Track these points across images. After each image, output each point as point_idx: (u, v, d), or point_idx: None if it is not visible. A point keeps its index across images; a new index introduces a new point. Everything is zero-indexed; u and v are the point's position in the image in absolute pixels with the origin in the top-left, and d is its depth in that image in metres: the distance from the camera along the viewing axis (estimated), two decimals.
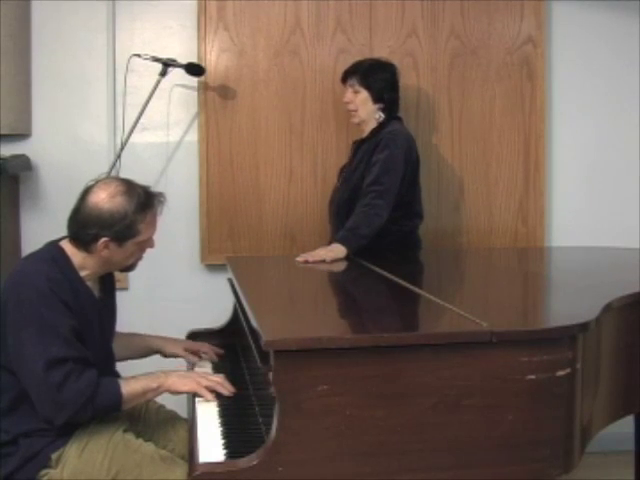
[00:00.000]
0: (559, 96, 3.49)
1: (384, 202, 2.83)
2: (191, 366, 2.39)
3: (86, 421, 1.91)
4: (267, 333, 1.59)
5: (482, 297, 2.32)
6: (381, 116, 2.99)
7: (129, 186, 2.01)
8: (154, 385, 1.96)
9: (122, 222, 1.96)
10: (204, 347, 2.41)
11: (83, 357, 1.88)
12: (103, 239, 1.96)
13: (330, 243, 2.91)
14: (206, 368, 2.32)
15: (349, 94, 3.01)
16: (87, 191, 2.01)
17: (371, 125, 3.01)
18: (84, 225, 1.96)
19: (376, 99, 2.97)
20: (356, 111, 3.00)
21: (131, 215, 1.97)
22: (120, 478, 1.87)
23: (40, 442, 1.89)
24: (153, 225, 2.05)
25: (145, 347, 2.34)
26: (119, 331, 2.26)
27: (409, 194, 2.98)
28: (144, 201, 2.00)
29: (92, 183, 2.03)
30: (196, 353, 2.39)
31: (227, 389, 1.97)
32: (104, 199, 1.96)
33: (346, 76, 3.03)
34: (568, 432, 1.69)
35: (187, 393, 2.05)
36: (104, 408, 1.90)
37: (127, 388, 1.91)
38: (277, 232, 3.35)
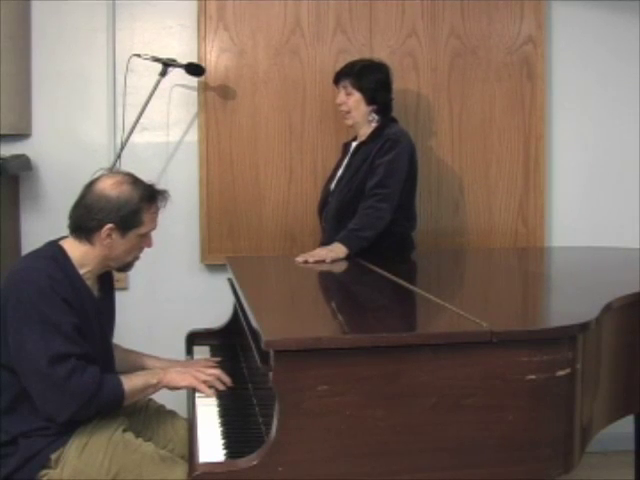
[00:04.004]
0: (559, 96, 3.49)
1: (387, 205, 2.83)
2: (190, 356, 2.43)
3: (86, 420, 1.91)
4: (267, 333, 1.59)
5: (482, 297, 2.32)
6: (374, 118, 2.98)
7: (135, 178, 2.05)
8: (154, 381, 2.00)
9: (128, 208, 1.98)
10: (200, 365, 2.26)
11: (85, 354, 1.89)
12: (108, 225, 1.97)
13: (322, 244, 2.91)
14: (204, 354, 2.35)
15: (342, 96, 3.00)
16: (92, 182, 2.03)
17: (365, 127, 3.00)
18: (90, 210, 1.98)
19: (369, 101, 2.96)
20: (349, 112, 2.99)
21: (137, 202, 1.99)
22: (120, 478, 1.88)
23: (39, 442, 1.89)
24: (155, 219, 2.07)
25: (139, 367, 2.23)
26: (119, 344, 2.25)
27: (409, 196, 2.99)
28: (150, 193, 2.03)
29: (97, 176, 2.05)
30: None
31: (225, 381, 2.04)
32: (111, 186, 2.00)
33: (338, 78, 3.02)
34: (568, 432, 1.70)
35: (185, 388, 2.07)
36: (107, 404, 1.91)
37: (129, 384, 1.94)
38: (277, 232, 3.34)
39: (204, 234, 3.32)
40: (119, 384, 1.92)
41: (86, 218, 1.98)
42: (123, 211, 1.98)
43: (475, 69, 3.41)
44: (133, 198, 1.99)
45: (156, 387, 2.01)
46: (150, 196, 2.03)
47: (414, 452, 1.59)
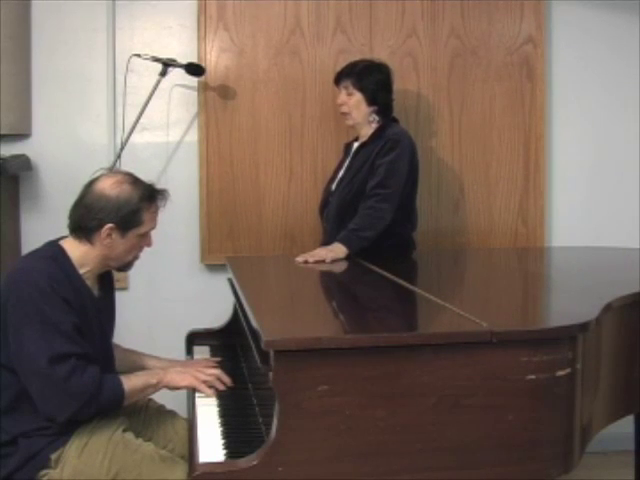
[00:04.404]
0: (559, 96, 3.49)
1: (388, 205, 2.82)
2: (190, 356, 2.44)
3: (86, 420, 1.91)
4: (267, 333, 1.59)
5: (482, 297, 2.32)
6: (375, 118, 2.98)
7: (135, 178, 2.05)
8: (153, 381, 2.00)
9: (128, 208, 1.98)
10: (200, 365, 2.25)
11: (85, 353, 1.89)
12: (108, 225, 1.97)
13: (323, 244, 2.91)
14: (204, 354, 2.34)
15: (343, 96, 2.99)
16: (92, 181, 2.03)
17: (366, 127, 3.00)
18: (90, 210, 1.98)
19: (370, 101, 2.96)
20: (349, 113, 2.99)
21: (137, 202, 1.99)
22: (120, 478, 1.87)
23: (39, 442, 1.89)
24: (154, 219, 2.07)
25: (139, 367, 2.22)
26: (119, 344, 2.26)
27: (410, 197, 2.99)
28: (149, 192, 2.03)
29: (96, 175, 2.05)
30: None
31: (225, 381, 2.05)
32: (111, 186, 2.00)
33: (339, 78, 3.02)
34: (568, 432, 1.70)
35: (185, 388, 2.07)
36: (107, 404, 1.91)
37: (129, 384, 1.94)
38: (277, 232, 3.34)
39: (204, 234, 3.32)
40: (119, 384, 1.92)
41: (86, 218, 1.98)
42: (123, 211, 1.98)
43: (475, 69, 3.41)
44: (133, 198, 1.99)
45: (156, 387, 2.01)
46: (150, 196, 2.03)
47: (414, 452, 1.59)
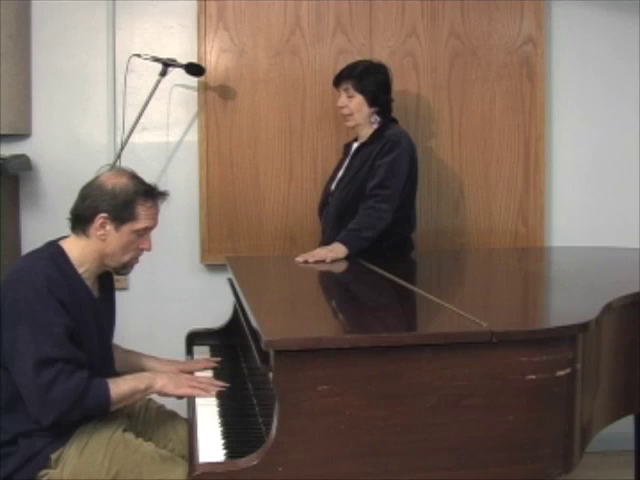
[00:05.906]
0: (559, 96, 3.49)
1: (388, 206, 2.82)
2: (190, 356, 2.45)
3: (86, 420, 1.92)
4: (267, 333, 1.59)
5: (482, 297, 2.32)
6: (376, 119, 2.98)
7: (135, 175, 2.07)
8: (142, 387, 1.98)
9: (122, 199, 1.99)
10: (200, 365, 2.31)
11: (74, 358, 1.88)
12: (101, 214, 1.98)
13: (322, 245, 2.91)
14: (207, 373, 2.30)
15: (343, 98, 2.98)
16: (95, 177, 2.07)
17: (367, 128, 2.99)
18: (85, 199, 2.00)
19: (371, 103, 2.96)
20: (351, 115, 2.98)
21: (132, 194, 2.00)
22: (120, 478, 1.87)
23: (39, 442, 1.89)
24: (152, 217, 2.06)
25: (139, 367, 2.23)
26: (119, 345, 2.25)
27: (410, 197, 2.99)
28: (147, 189, 2.04)
29: (101, 172, 2.09)
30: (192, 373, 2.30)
31: (218, 385, 2.04)
32: (109, 177, 2.03)
33: (339, 80, 3.01)
34: (568, 432, 1.69)
35: (177, 397, 2.04)
36: (92, 410, 1.90)
37: (116, 390, 1.92)
38: (277, 232, 3.34)
39: (204, 234, 3.32)
40: (106, 390, 1.90)
41: (81, 207, 2.01)
42: (117, 201, 1.99)
43: (475, 69, 3.41)
44: (128, 190, 2.00)
45: (145, 392, 1.99)
46: (146, 191, 2.03)
47: (414, 452, 1.59)
